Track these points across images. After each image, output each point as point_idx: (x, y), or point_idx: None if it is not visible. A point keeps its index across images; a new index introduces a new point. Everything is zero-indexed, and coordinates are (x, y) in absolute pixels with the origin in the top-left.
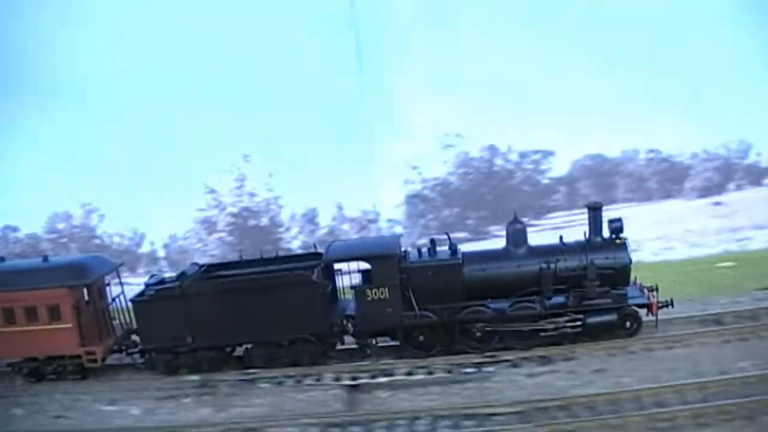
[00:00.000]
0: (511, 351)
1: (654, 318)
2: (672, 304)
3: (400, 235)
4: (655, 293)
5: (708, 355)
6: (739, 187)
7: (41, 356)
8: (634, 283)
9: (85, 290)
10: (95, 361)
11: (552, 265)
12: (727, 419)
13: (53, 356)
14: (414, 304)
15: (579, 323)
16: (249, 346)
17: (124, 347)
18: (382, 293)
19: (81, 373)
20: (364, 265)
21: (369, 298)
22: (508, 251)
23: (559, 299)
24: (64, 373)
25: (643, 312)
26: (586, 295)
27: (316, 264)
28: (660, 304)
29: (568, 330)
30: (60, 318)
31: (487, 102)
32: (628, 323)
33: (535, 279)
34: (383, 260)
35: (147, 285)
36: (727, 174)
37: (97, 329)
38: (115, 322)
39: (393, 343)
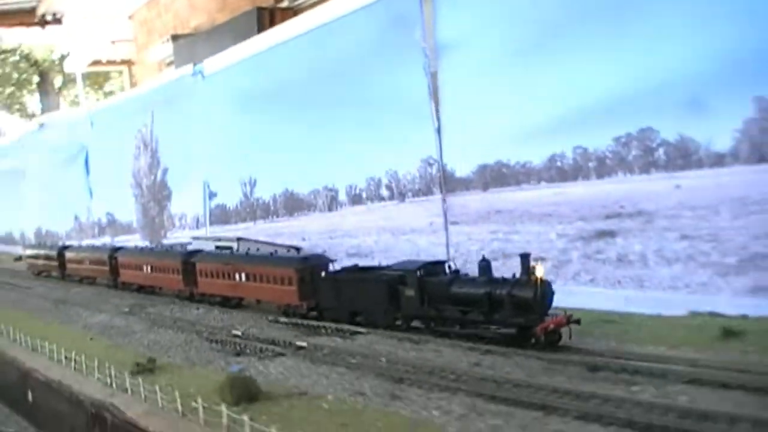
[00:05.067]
0: None
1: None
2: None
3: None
4: (567, 324)
5: None
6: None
7: None
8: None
9: None
10: None
11: (491, 292)
12: None
13: None
14: None
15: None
16: None
17: None
18: None
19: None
20: None
21: None
22: (476, 279)
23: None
24: None
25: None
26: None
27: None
28: (548, 330)
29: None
30: None
31: None
32: (532, 339)
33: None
34: None
35: None
36: None
37: None
38: None
39: None
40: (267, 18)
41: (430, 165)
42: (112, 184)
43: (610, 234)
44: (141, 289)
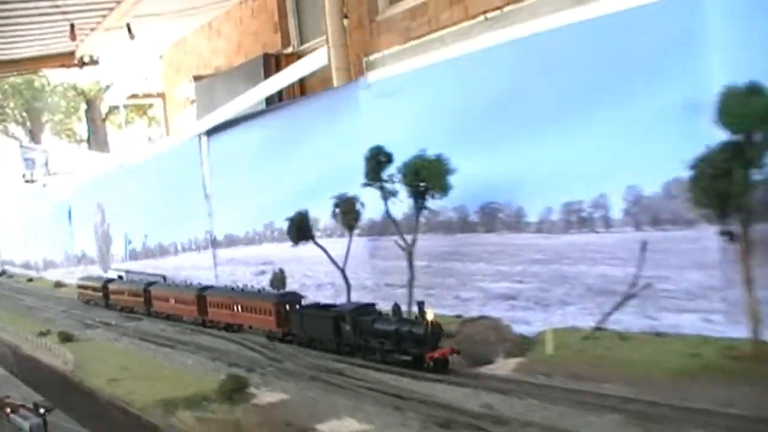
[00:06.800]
0: None
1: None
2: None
3: None
4: (450, 354)
5: None
6: None
7: None
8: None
9: None
10: None
11: (398, 329)
12: None
13: None
14: None
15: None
16: None
17: None
18: None
19: None
20: None
21: None
22: (390, 318)
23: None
24: None
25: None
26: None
27: None
28: (434, 358)
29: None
30: None
31: None
32: (424, 365)
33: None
34: None
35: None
36: None
37: None
38: None
39: None
40: (273, 63)
41: (208, 233)
42: (84, 232)
43: (263, 272)
44: (168, 317)
